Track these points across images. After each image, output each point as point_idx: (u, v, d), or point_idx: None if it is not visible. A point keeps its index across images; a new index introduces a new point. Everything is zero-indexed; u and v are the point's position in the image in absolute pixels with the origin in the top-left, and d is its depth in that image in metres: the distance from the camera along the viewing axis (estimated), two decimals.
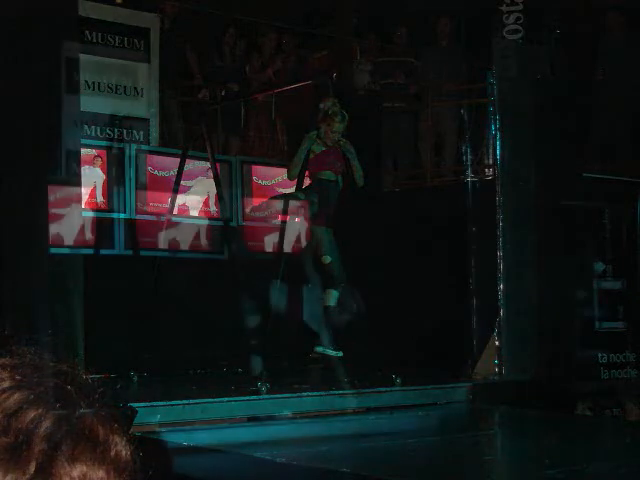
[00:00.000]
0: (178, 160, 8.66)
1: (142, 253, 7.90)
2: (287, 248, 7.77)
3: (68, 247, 7.13)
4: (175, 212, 8.54)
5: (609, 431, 5.83)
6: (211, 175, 8.82)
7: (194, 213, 8.73)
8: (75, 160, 5.85)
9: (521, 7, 9.82)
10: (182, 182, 8.76)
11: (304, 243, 7.81)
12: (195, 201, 8.74)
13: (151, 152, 8.43)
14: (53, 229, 6.29)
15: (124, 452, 0.96)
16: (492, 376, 6.96)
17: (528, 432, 5.68)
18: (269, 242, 8.89)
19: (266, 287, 6.52)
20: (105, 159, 8.07)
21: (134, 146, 8.26)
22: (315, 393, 6.05)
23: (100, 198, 8.03)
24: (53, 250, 6.02)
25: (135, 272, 7.51)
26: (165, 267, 7.35)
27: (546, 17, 9.81)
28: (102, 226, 7.85)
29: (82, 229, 7.48)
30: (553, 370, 6.95)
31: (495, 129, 7.13)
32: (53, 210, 6.06)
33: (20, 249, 5.43)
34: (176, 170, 8.57)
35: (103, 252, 7.79)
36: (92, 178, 8.03)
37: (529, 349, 6.97)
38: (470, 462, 4.69)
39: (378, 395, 6.16)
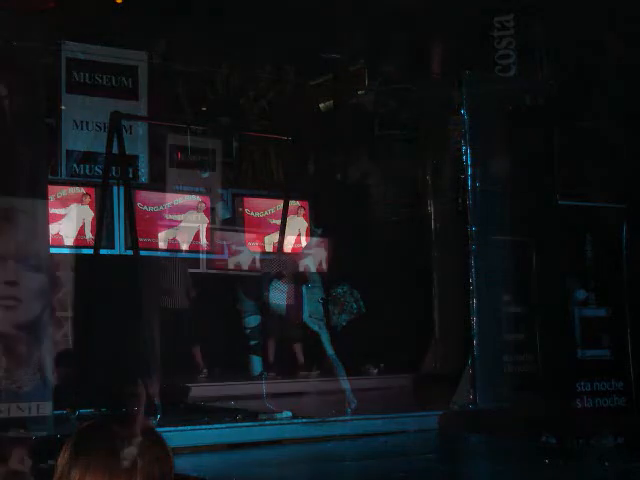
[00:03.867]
0: (167, 195, 9.64)
1: None
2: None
3: None
4: (165, 247, 9.51)
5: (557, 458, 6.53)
6: (202, 208, 9.79)
7: (184, 247, 9.62)
8: None
9: (512, 32, 10.60)
10: (172, 216, 9.75)
11: None
12: (185, 235, 9.62)
13: (139, 188, 9.34)
14: None
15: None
16: (468, 405, 7.73)
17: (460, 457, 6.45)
18: None
19: None
20: (93, 197, 8.99)
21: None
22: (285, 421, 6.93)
23: (89, 235, 8.95)
24: None
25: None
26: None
27: (538, 42, 10.52)
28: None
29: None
30: (529, 398, 7.65)
31: (465, 159, 7.92)
32: None
33: None
34: (165, 205, 9.57)
35: None
36: (81, 216, 8.99)
37: (503, 378, 7.72)
38: None
39: (343, 423, 6.97)
